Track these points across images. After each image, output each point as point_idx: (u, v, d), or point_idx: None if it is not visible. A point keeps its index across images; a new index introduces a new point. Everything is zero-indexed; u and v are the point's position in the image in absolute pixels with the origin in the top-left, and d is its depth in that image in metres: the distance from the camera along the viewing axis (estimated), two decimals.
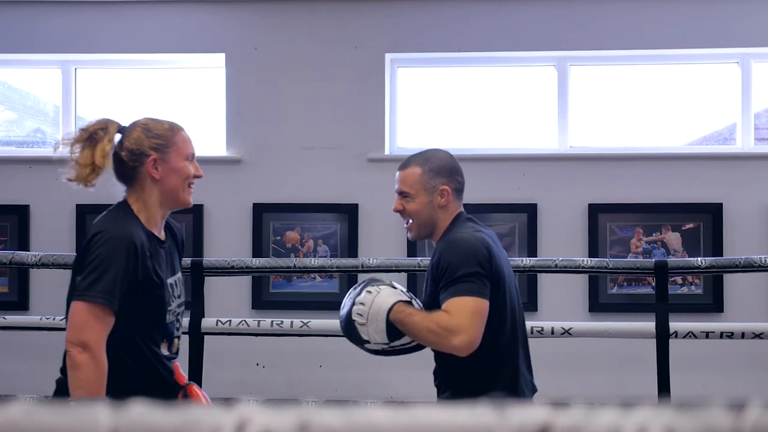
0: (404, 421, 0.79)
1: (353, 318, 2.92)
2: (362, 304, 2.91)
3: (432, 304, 2.89)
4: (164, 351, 2.79)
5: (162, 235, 2.82)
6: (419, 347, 2.98)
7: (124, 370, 2.67)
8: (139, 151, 2.73)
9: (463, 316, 2.75)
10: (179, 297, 2.85)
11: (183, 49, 5.90)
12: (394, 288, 2.95)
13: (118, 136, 2.78)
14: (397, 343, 2.90)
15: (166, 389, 2.77)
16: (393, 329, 2.86)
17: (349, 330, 2.97)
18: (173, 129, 2.82)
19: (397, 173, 3.03)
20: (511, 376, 2.92)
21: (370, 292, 2.92)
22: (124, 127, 2.79)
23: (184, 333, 4.60)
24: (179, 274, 2.88)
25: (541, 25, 5.71)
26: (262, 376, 5.63)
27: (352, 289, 3.04)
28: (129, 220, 2.71)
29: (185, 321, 4.63)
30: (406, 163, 3.03)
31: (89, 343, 2.57)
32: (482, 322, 2.78)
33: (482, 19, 5.73)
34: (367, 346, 2.97)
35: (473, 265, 2.79)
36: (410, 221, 3.01)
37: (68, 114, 5.98)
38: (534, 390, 3.04)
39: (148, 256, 2.68)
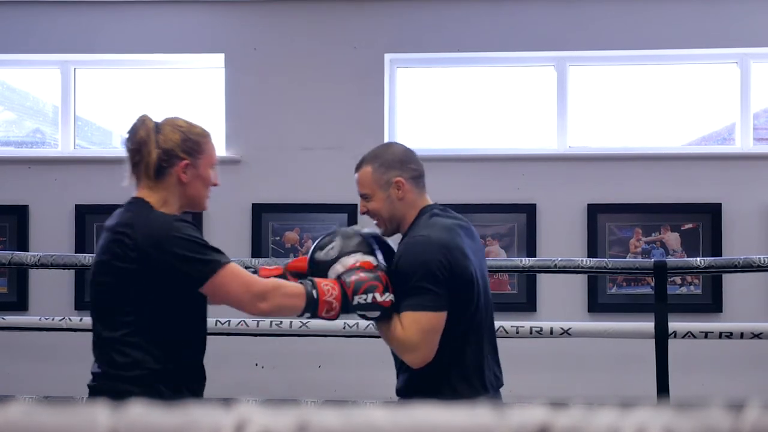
0: (403, 421, 0.79)
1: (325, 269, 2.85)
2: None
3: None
4: None
5: None
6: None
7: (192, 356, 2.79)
8: (174, 153, 2.71)
9: (414, 333, 2.72)
10: None
11: (182, 50, 5.90)
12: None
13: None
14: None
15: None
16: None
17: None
18: (206, 135, 2.81)
19: (355, 176, 3.00)
20: (473, 375, 2.85)
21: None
22: (158, 123, 2.77)
23: None
24: None
25: (540, 25, 5.71)
26: (261, 377, 5.63)
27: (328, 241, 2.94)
28: (156, 211, 2.71)
29: None
30: (358, 164, 3.00)
31: (261, 291, 2.64)
32: (435, 336, 2.73)
33: (481, 19, 5.73)
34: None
35: (426, 274, 2.72)
36: (377, 220, 2.98)
37: (67, 114, 5.98)
38: (499, 386, 2.98)
39: None
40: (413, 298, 2.73)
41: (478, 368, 2.86)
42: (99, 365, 2.68)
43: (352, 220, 5.68)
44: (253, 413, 0.79)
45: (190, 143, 2.74)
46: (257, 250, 5.68)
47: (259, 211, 5.74)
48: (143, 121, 2.75)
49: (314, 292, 2.66)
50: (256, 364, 5.65)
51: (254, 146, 5.79)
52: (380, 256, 2.87)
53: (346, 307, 2.71)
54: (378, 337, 4.65)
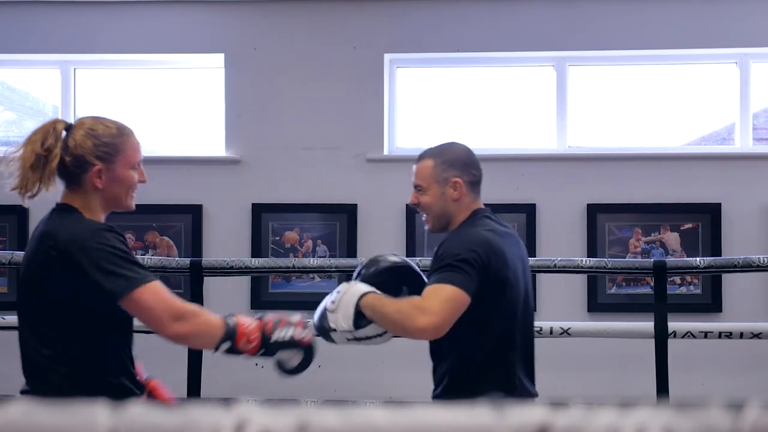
0: (403, 421, 0.79)
1: (326, 306, 2.90)
2: (338, 291, 2.89)
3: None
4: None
5: None
6: (383, 338, 2.92)
7: (104, 373, 2.60)
8: (84, 159, 2.56)
9: (435, 300, 2.71)
10: None
11: (182, 50, 5.90)
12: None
13: (63, 134, 2.60)
14: (361, 332, 2.84)
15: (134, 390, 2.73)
16: (360, 317, 2.81)
17: (320, 319, 2.92)
18: (122, 134, 2.63)
19: (413, 167, 3.02)
20: (505, 383, 2.84)
21: (349, 281, 2.91)
22: (70, 125, 2.62)
23: None
24: None
25: (539, 25, 5.71)
26: (261, 377, 5.62)
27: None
28: (89, 220, 2.59)
29: None
30: (421, 156, 3.02)
31: (180, 312, 2.53)
32: (454, 311, 2.72)
33: (481, 19, 5.73)
34: (332, 335, 2.92)
35: (462, 256, 2.75)
36: (426, 214, 3.00)
37: (67, 114, 5.97)
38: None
39: None
40: (442, 273, 2.75)
41: (511, 376, 2.86)
42: (24, 375, 2.63)
43: (352, 220, 5.68)
44: (253, 413, 0.79)
45: (104, 148, 2.57)
46: (257, 250, 5.68)
47: (259, 211, 5.74)
48: (54, 126, 2.60)
49: (232, 320, 2.57)
50: (256, 364, 5.65)
51: (254, 146, 5.79)
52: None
53: (266, 343, 2.62)
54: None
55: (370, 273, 2.98)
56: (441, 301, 2.71)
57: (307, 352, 2.69)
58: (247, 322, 2.59)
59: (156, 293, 2.50)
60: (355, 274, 3.04)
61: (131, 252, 2.56)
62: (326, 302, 2.91)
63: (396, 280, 2.98)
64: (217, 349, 2.57)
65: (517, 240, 3.02)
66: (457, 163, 2.96)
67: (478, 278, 2.75)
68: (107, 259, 2.48)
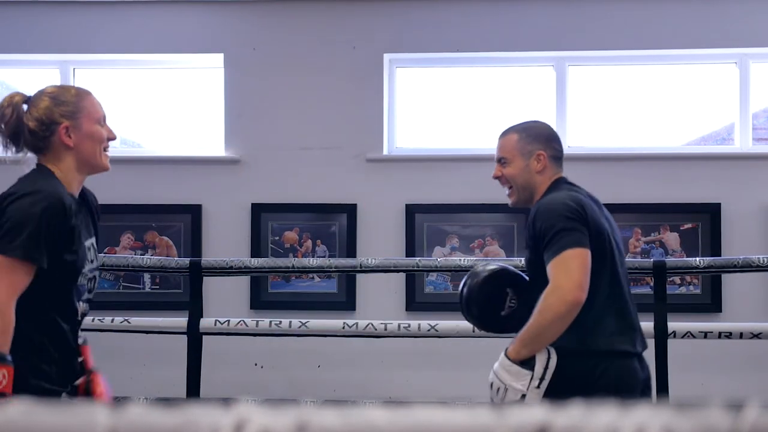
0: (402, 421, 0.79)
1: (497, 391, 2.90)
2: (493, 381, 2.90)
3: (531, 260, 2.97)
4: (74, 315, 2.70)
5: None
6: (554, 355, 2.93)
7: (25, 339, 2.55)
8: (50, 120, 2.67)
9: (565, 273, 2.78)
10: (93, 262, 2.75)
11: (181, 50, 5.90)
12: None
13: (24, 107, 2.71)
14: (538, 370, 2.83)
15: (68, 367, 2.67)
16: (524, 364, 2.84)
17: (510, 403, 2.93)
18: (81, 94, 2.77)
19: (497, 141, 3.16)
20: (619, 325, 2.96)
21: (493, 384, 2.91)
22: (29, 97, 2.73)
23: (182, 333, 4.63)
24: (94, 239, 2.79)
25: (539, 25, 5.71)
26: (260, 376, 5.63)
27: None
28: (53, 181, 2.64)
29: (183, 321, 4.64)
30: (504, 131, 3.16)
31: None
32: (586, 270, 2.80)
33: (481, 19, 5.73)
34: (529, 400, 2.88)
35: (564, 219, 2.84)
36: (510, 187, 3.11)
37: None
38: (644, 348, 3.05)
39: (73, 214, 2.61)
40: (555, 244, 2.82)
41: (630, 324, 3.00)
42: None
43: (352, 220, 5.68)
44: (253, 413, 0.79)
45: (66, 107, 2.70)
46: (256, 250, 5.68)
47: (259, 210, 5.74)
48: (11, 98, 2.71)
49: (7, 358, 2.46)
50: (256, 364, 5.65)
51: (253, 146, 5.79)
52: None
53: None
54: (377, 336, 4.66)
55: (474, 285, 3.11)
56: (570, 270, 2.78)
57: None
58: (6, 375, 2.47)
59: (4, 272, 2.49)
60: (461, 289, 3.18)
61: (35, 221, 2.53)
62: (494, 392, 2.91)
63: (499, 286, 3.11)
64: None
65: (599, 201, 3.13)
66: (541, 137, 3.10)
67: (587, 228, 2.86)
68: (6, 217, 2.54)
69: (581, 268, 2.78)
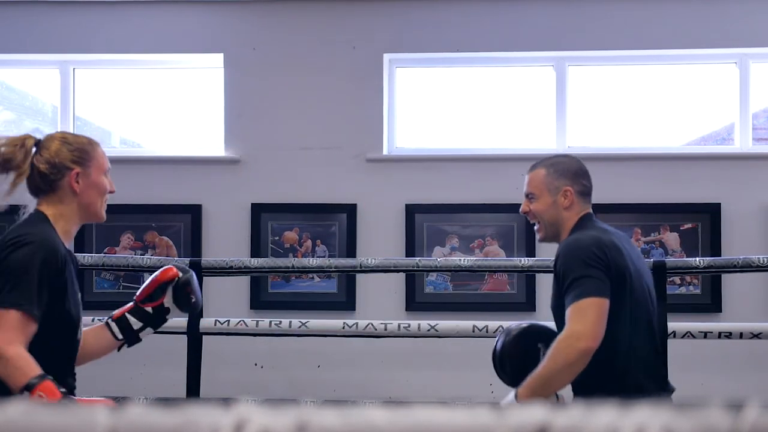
0: (402, 421, 0.79)
1: None
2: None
3: (558, 304, 2.97)
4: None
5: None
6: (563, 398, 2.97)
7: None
8: (61, 164, 2.71)
9: (580, 319, 2.79)
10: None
11: (181, 50, 5.90)
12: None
13: (33, 150, 2.74)
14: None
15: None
16: None
17: None
18: (92, 143, 2.80)
19: (525, 176, 3.19)
20: (647, 369, 2.97)
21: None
22: (40, 139, 2.77)
23: (182, 333, 4.63)
24: (79, 294, 2.81)
25: (539, 25, 5.71)
26: (260, 377, 5.62)
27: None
28: (49, 229, 2.67)
29: (183, 320, 4.63)
30: (533, 166, 3.19)
31: (2, 354, 2.50)
32: (601, 319, 2.80)
33: (480, 19, 5.73)
34: None
35: (584, 266, 2.85)
36: (538, 223, 3.13)
37: (66, 114, 5.98)
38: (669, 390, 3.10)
39: (67, 265, 2.65)
40: (574, 291, 2.82)
41: (648, 365, 2.99)
42: None
43: (352, 221, 5.68)
44: (253, 413, 0.79)
45: (78, 153, 2.74)
46: (256, 250, 5.68)
47: (258, 210, 5.74)
48: (23, 141, 2.73)
49: (38, 380, 2.50)
50: (256, 364, 5.65)
51: (253, 146, 5.79)
52: None
53: None
54: (377, 336, 4.66)
55: (508, 341, 3.11)
56: (586, 318, 2.80)
57: None
58: (52, 388, 2.53)
59: (7, 323, 2.51)
60: (495, 348, 3.17)
61: (33, 271, 2.56)
62: None
63: (531, 341, 3.10)
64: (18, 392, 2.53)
65: (625, 236, 3.12)
66: (568, 173, 3.11)
67: (607, 275, 2.85)
68: (3, 271, 2.57)
69: (597, 318, 2.79)
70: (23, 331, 2.53)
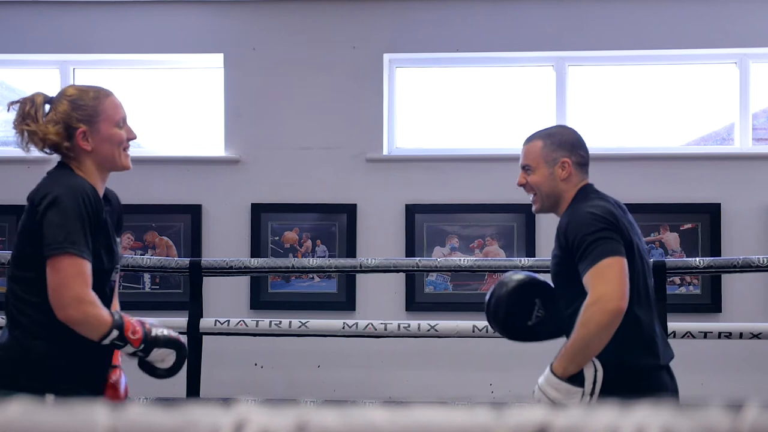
0: (402, 421, 0.79)
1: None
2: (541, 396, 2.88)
3: (559, 271, 2.95)
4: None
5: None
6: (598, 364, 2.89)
7: (61, 334, 2.59)
8: (68, 125, 2.70)
9: (604, 282, 2.75)
10: (119, 260, 2.79)
11: (181, 50, 5.90)
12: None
13: (47, 107, 2.75)
14: (588, 386, 2.81)
15: (103, 360, 2.75)
16: (573, 381, 2.81)
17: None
18: (100, 96, 2.76)
19: (522, 148, 3.12)
20: (647, 336, 2.92)
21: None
22: (52, 97, 2.78)
23: (182, 333, 4.62)
24: (119, 238, 2.82)
25: (539, 25, 5.71)
26: (260, 377, 5.63)
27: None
28: (75, 177, 2.67)
29: (183, 321, 4.64)
30: (529, 138, 3.12)
31: (81, 296, 2.53)
32: (624, 278, 2.77)
33: (480, 19, 5.73)
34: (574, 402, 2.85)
35: (599, 229, 2.81)
36: (534, 194, 3.09)
37: None
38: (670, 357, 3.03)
39: (102, 209, 2.65)
40: (590, 255, 2.79)
41: (651, 336, 2.93)
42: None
43: (351, 220, 5.68)
44: (252, 413, 0.79)
45: (83, 111, 2.72)
46: (256, 250, 5.68)
47: (258, 210, 5.74)
48: (33, 98, 2.77)
49: (118, 314, 2.60)
50: (256, 364, 5.65)
51: (253, 146, 5.79)
52: None
53: (146, 337, 2.64)
54: (377, 336, 4.66)
55: (503, 294, 3.05)
56: (609, 279, 2.76)
57: (181, 352, 2.73)
58: (129, 317, 2.64)
59: (71, 268, 2.52)
60: (488, 297, 3.11)
61: (77, 218, 2.57)
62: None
63: (527, 296, 3.05)
64: (102, 339, 2.57)
65: (625, 208, 3.07)
66: (566, 144, 3.04)
67: (621, 237, 2.83)
68: (54, 217, 2.55)
69: (620, 277, 2.76)
70: (85, 275, 2.54)
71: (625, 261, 2.79)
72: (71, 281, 2.52)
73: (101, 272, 2.65)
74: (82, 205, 2.57)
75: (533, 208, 3.13)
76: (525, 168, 3.08)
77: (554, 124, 5.78)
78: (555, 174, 3.02)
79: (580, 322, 2.76)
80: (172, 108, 6.13)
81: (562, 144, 3.04)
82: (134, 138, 2.80)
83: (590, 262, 2.78)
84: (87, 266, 2.55)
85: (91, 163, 2.71)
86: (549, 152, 3.04)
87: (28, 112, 2.72)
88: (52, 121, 2.71)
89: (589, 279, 2.77)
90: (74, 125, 2.69)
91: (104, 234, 2.65)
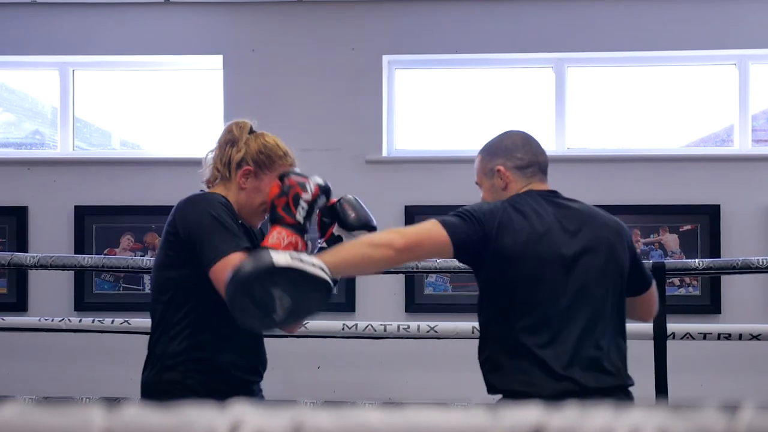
0: (397, 422, 0.79)
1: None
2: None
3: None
4: None
5: None
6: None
7: (216, 332, 2.70)
8: (244, 159, 2.82)
9: (410, 228, 2.62)
10: None
11: (180, 51, 5.90)
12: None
13: (245, 136, 2.88)
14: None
15: (257, 356, 3.06)
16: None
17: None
18: (283, 157, 2.89)
19: None
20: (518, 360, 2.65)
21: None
22: (254, 131, 2.93)
23: None
24: None
25: (538, 26, 5.71)
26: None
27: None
28: (217, 195, 2.76)
29: None
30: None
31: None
32: (424, 235, 2.54)
33: (480, 20, 5.73)
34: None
35: (461, 210, 2.62)
36: None
37: (66, 116, 5.98)
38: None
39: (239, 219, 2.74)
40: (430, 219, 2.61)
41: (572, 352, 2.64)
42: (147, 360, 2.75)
43: None
44: (247, 414, 0.80)
45: (262, 156, 2.84)
46: None
47: None
48: (242, 123, 2.91)
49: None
50: None
51: None
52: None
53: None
54: (377, 338, 4.66)
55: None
56: (415, 228, 2.62)
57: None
58: (278, 238, 2.72)
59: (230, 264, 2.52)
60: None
61: (228, 224, 2.65)
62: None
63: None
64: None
65: (571, 212, 2.75)
66: (499, 150, 2.79)
67: (467, 229, 2.57)
68: (208, 226, 2.63)
69: (422, 235, 2.55)
70: None
71: (444, 235, 2.53)
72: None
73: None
74: (224, 209, 2.74)
75: None
76: (478, 185, 2.86)
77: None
78: (495, 185, 2.76)
79: (366, 239, 2.64)
80: (172, 109, 6.14)
81: (497, 152, 2.78)
82: (267, 205, 2.82)
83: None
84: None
85: (235, 202, 2.79)
86: (485, 164, 2.79)
87: (233, 134, 2.86)
88: (242, 150, 2.84)
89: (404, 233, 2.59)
90: (247, 161, 2.82)
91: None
